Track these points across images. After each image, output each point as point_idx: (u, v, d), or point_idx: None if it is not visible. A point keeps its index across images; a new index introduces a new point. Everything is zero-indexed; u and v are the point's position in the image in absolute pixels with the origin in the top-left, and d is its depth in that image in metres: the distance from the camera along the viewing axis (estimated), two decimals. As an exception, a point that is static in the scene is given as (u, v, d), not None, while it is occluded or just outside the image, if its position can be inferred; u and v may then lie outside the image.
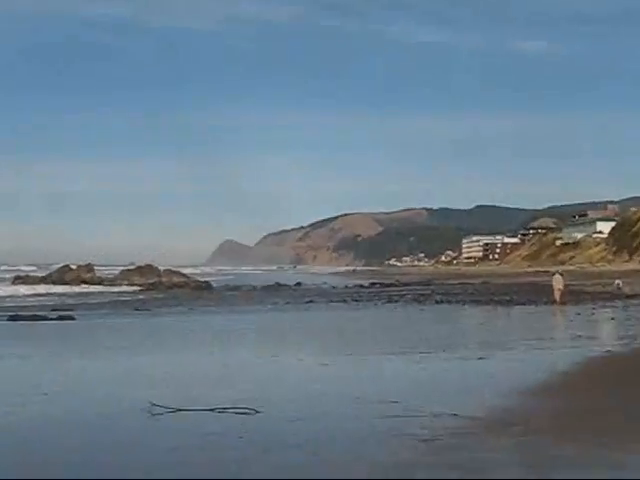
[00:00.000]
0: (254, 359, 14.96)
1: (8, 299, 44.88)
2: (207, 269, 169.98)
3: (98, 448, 7.62)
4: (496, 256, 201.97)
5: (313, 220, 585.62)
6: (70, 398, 10.68)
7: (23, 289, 56.43)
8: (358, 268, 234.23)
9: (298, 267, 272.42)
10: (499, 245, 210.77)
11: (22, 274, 73.57)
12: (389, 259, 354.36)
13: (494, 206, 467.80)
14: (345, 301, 39.24)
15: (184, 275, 70.96)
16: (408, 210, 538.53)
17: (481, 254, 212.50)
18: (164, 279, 67.27)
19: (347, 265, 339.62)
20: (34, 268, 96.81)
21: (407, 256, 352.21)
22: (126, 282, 65.97)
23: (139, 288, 59.62)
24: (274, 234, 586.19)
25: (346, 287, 61.80)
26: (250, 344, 18.49)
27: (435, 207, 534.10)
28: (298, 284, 67.79)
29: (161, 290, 57.55)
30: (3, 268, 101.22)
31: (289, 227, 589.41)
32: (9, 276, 71.52)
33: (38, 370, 13.82)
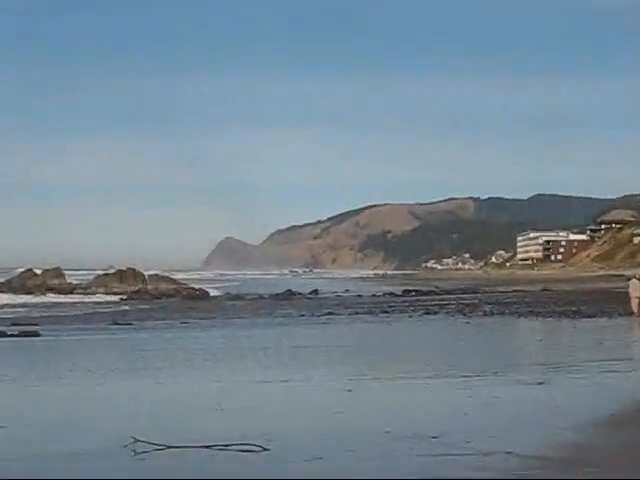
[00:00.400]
0: (260, 384, 15.10)
1: (-45, 311, 39.92)
2: (203, 274, 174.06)
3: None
4: (559, 257, 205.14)
5: (333, 213, 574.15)
6: (32, 433, 10.72)
7: (-26, 299, 49.13)
8: (388, 272, 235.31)
9: (315, 271, 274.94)
10: (563, 243, 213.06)
11: (-27, 280, 63.21)
12: (427, 261, 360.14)
13: (556, 195, 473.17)
14: (372, 313, 39.33)
15: (175, 281, 71.72)
16: (450, 200, 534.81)
17: (541, 254, 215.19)
18: (150, 286, 67.21)
19: (375, 268, 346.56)
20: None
21: (449, 257, 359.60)
22: (103, 290, 66.54)
23: (119, 297, 60.50)
24: (284, 231, 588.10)
25: (373, 296, 62.17)
26: (255, 366, 18.57)
27: (484, 197, 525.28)
28: (314, 292, 68.55)
29: (146, 300, 57.96)
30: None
31: (302, 222, 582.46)
32: (-44, 282, 62.31)
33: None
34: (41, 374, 17.42)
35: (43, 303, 52.56)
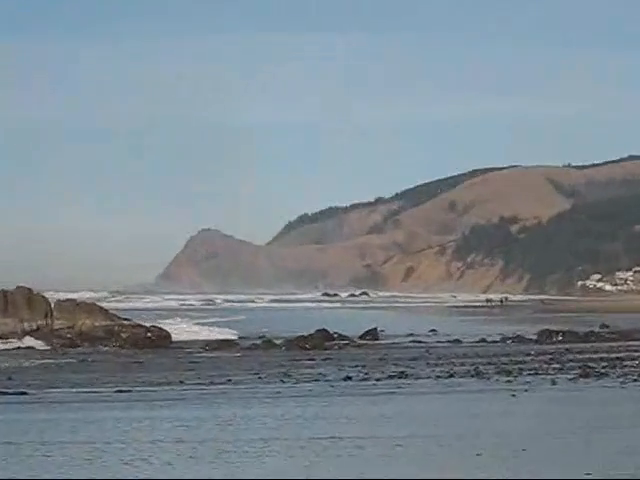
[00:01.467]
0: None
1: None
2: (160, 299, 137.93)
3: None
4: None
5: (405, 185, 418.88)
6: None
7: None
8: (512, 297, 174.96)
9: (371, 294, 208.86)
10: None
11: None
12: (585, 277, 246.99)
13: None
14: (481, 374, 29.60)
15: (107, 313, 52.69)
16: (630, 161, 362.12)
17: None
18: (60, 322, 49.96)
19: (487, 290, 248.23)
20: None
21: (628, 270, 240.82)
22: None
23: (1, 342, 46.01)
24: (311, 219, 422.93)
25: (483, 342, 47.67)
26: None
27: None
28: (371, 334, 51.43)
29: (55, 349, 44.57)
30: None
31: (346, 202, 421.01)
32: None
33: None
34: None
35: None
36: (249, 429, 19.68)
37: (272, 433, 18.50)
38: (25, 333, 48.54)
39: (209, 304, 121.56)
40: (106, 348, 45.43)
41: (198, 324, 63.75)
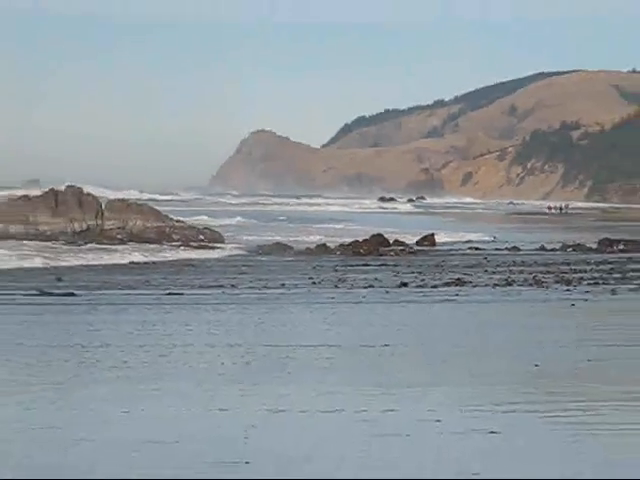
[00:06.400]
0: (324, 415, 11.21)
1: None
2: (212, 200, 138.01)
3: None
4: None
5: (463, 89, 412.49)
6: None
7: None
8: (573, 204, 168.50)
9: (428, 200, 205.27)
10: None
11: None
12: None
13: None
14: (539, 283, 28.82)
15: (160, 215, 51.71)
16: None
17: None
18: (111, 222, 49.19)
19: (547, 196, 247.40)
20: None
21: None
22: (20, 226, 47.62)
23: (51, 243, 44.54)
24: (368, 121, 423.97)
25: (542, 250, 46.67)
26: (317, 380, 13.45)
27: None
28: (428, 240, 50.98)
29: (103, 248, 44.00)
30: None
31: (404, 104, 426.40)
32: None
33: None
34: None
35: None
36: (303, 334, 19.42)
37: (324, 339, 18.24)
38: (75, 233, 47.96)
39: (251, 206, 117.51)
40: (158, 249, 44.52)
41: (237, 228, 62.39)
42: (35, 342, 18.01)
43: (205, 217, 72.86)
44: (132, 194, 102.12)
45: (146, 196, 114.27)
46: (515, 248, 47.45)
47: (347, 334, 19.60)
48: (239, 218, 76.43)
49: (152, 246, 45.64)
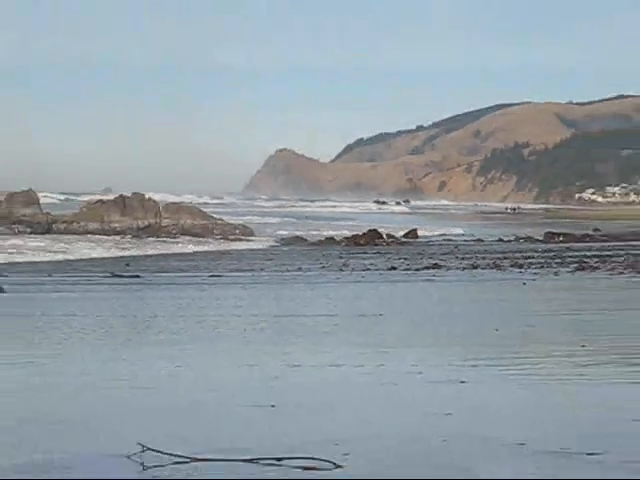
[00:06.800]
0: (327, 370, 11.06)
1: None
2: (245, 203, 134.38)
3: None
4: None
5: (440, 116, 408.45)
6: None
7: None
8: (524, 206, 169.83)
9: (412, 203, 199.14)
10: None
11: None
12: (582, 190, 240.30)
13: None
14: (499, 267, 28.62)
15: (204, 214, 51.78)
16: (620, 99, 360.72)
17: None
18: (167, 221, 49.16)
19: (504, 200, 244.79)
20: None
21: (616, 185, 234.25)
22: (96, 225, 47.74)
23: (120, 237, 45.02)
24: (366, 142, 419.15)
25: (500, 241, 46.51)
26: (318, 343, 13.20)
27: None
28: (412, 234, 50.90)
29: (161, 241, 44.27)
30: None
31: (394, 128, 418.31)
32: None
33: None
34: (6, 347, 12.81)
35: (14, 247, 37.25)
36: (314, 306, 19.04)
37: (331, 310, 17.86)
38: (139, 229, 47.63)
39: (275, 208, 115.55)
40: (202, 241, 44.28)
41: (264, 225, 61.36)
42: (106, 312, 17.46)
43: (252, 217, 71.59)
44: (189, 198, 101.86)
45: (199, 200, 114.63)
46: (479, 240, 46.87)
47: (349, 306, 19.12)
48: (278, 218, 75.26)
49: (199, 239, 45.49)
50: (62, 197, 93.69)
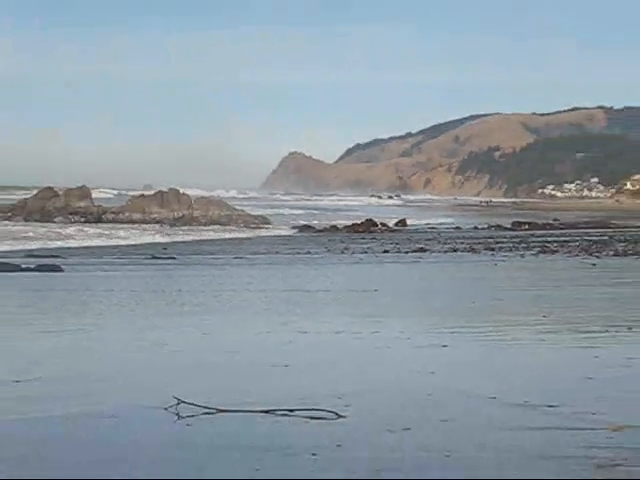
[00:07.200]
0: (332, 336, 11.03)
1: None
2: (262, 197, 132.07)
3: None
4: None
5: (425, 124, 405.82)
6: (52, 389, 7.63)
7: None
8: (495, 199, 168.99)
9: (402, 197, 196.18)
10: None
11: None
12: (543, 187, 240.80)
13: None
14: (474, 250, 28.56)
15: (228, 207, 51.42)
16: (575, 111, 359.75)
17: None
18: (197, 212, 48.68)
19: (478, 194, 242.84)
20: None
21: (572, 182, 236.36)
22: (139, 215, 47.42)
23: (159, 225, 44.95)
24: (364, 146, 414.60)
25: (475, 229, 46.31)
26: (325, 313, 13.16)
27: (618, 106, 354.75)
28: (402, 223, 51.14)
29: (193, 229, 43.96)
30: None
31: (386, 135, 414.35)
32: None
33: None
34: (61, 317, 12.77)
35: (65, 235, 36.88)
36: (320, 282, 18.83)
37: (334, 286, 17.76)
38: (175, 219, 47.39)
39: (286, 202, 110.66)
40: (228, 229, 43.91)
41: (278, 215, 60.26)
42: (139, 288, 17.21)
43: (281, 210, 70.39)
44: (219, 193, 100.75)
45: (227, 194, 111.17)
46: (458, 228, 46.83)
47: (349, 283, 19.01)
48: (294, 210, 73.40)
49: (224, 227, 45.22)
50: (115, 192, 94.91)
